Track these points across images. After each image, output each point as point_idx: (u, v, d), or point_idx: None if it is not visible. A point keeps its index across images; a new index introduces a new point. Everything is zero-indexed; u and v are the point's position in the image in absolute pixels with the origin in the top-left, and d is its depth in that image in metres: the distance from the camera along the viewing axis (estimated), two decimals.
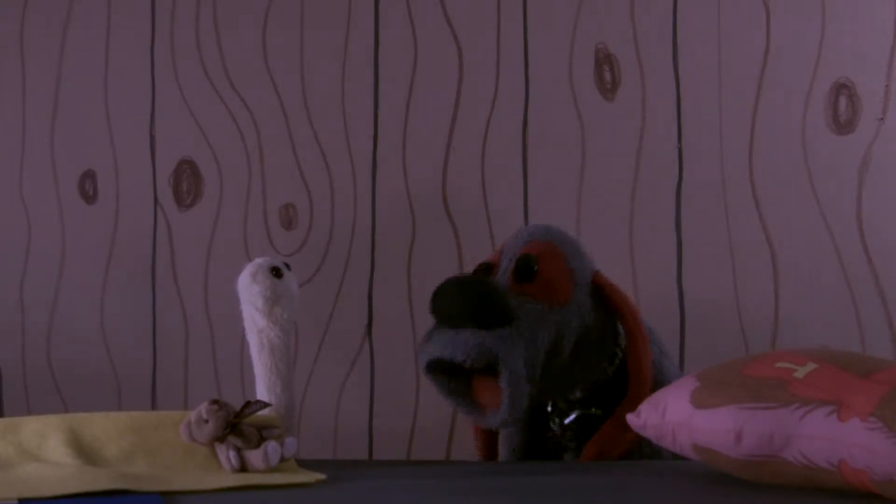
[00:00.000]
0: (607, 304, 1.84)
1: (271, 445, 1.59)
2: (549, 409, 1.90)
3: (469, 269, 2.26)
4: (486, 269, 1.84)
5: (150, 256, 2.34)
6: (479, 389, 1.73)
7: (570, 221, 2.23)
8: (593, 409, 1.86)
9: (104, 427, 1.66)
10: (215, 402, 1.63)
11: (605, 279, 1.86)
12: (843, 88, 2.22)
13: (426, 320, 2.26)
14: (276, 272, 1.79)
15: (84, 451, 1.63)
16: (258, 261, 1.82)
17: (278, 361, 1.81)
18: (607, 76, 2.28)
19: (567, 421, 1.87)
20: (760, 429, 1.42)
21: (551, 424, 1.90)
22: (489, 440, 1.96)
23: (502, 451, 1.98)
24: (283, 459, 1.60)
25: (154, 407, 2.31)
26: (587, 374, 1.83)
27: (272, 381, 1.81)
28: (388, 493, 1.48)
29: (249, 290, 1.79)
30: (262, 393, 1.82)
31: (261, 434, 1.63)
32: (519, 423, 1.90)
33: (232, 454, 1.59)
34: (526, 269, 1.78)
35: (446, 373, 1.74)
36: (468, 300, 1.69)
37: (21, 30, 2.37)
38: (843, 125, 2.22)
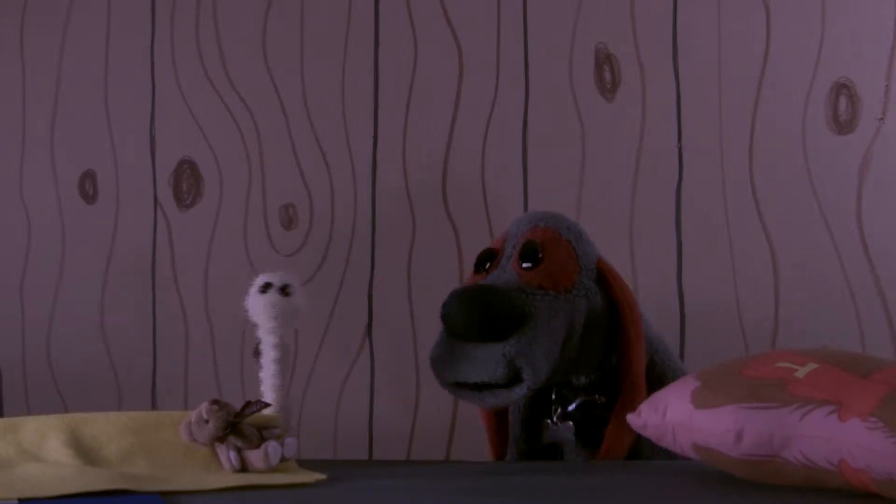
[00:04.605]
0: (608, 291, 1.84)
1: (271, 445, 1.59)
2: (553, 396, 1.90)
3: (470, 269, 2.26)
4: (490, 256, 1.84)
5: (150, 256, 2.34)
6: None
7: None
8: (596, 397, 1.85)
9: (104, 427, 1.66)
10: (215, 402, 1.63)
11: (607, 266, 1.86)
12: (843, 88, 2.22)
13: (426, 320, 2.27)
14: (265, 287, 1.84)
15: (84, 451, 1.62)
16: (264, 276, 1.87)
17: (275, 371, 1.85)
18: (607, 76, 2.28)
19: (570, 408, 1.87)
20: (761, 428, 1.42)
21: (552, 414, 1.89)
22: (501, 433, 1.95)
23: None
24: (283, 459, 1.60)
25: (154, 407, 2.31)
26: (594, 357, 1.83)
27: (266, 386, 1.85)
28: (388, 493, 1.48)
29: (248, 300, 1.86)
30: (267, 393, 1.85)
31: (261, 434, 1.63)
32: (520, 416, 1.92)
33: (232, 454, 1.59)
34: (531, 254, 1.78)
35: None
36: (478, 316, 1.69)
37: (21, 30, 2.37)
38: (843, 125, 2.22)
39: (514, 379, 1.71)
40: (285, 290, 1.85)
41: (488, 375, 1.70)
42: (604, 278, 1.84)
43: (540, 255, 1.78)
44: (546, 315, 1.73)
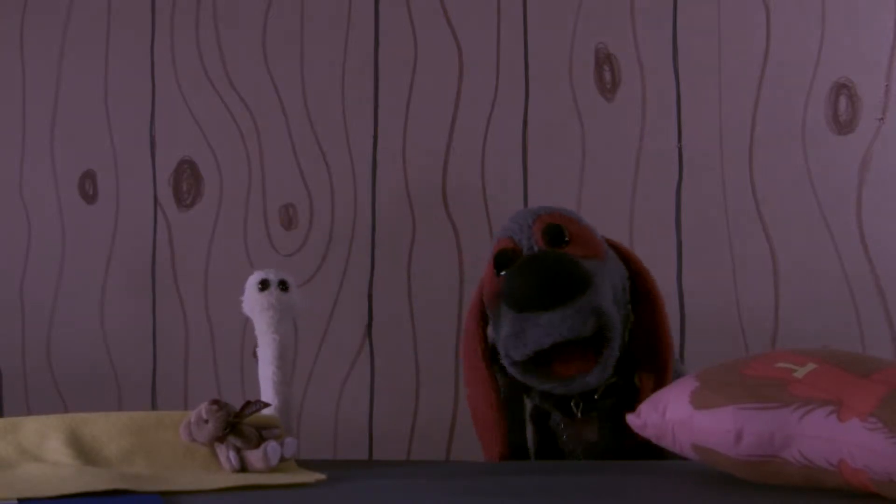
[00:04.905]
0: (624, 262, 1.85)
1: (271, 445, 1.59)
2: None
3: (470, 269, 2.26)
4: (511, 254, 1.80)
5: (150, 256, 2.34)
6: (558, 366, 1.73)
7: None
8: (616, 378, 1.83)
9: (104, 427, 1.66)
10: (215, 402, 1.63)
11: (613, 241, 1.88)
12: (843, 88, 2.22)
13: (426, 320, 2.28)
14: (263, 284, 1.84)
15: (84, 451, 1.62)
16: (259, 272, 1.87)
17: (272, 365, 1.84)
18: (607, 76, 2.28)
19: (597, 396, 1.83)
20: (760, 429, 1.42)
21: (574, 410, 1.86)
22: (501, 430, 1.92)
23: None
24: (282, 459, 1.60)
25: (154, 407, 2.31)
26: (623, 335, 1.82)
27: (265, 386, 1.84)
28: (388, 493, 1.48)
29: (245, 292, 1.86)
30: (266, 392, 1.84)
31: (261, 434, 1.63)
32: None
33: (232, 454, 1.59)
34: (558, 235, 1.76)
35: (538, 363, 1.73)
36: (552, 277, 1.67)
37: (21, 30, 2.37)
38: (843, 125, 2.22)
39: (597, 334, 1.68)
40: (284, 286, 1.85)
41: (577, 331, 1.67)
42: (616, 250, 1.85)
43: (566, 236, 1.77)
44: (600, 277, 1.72)
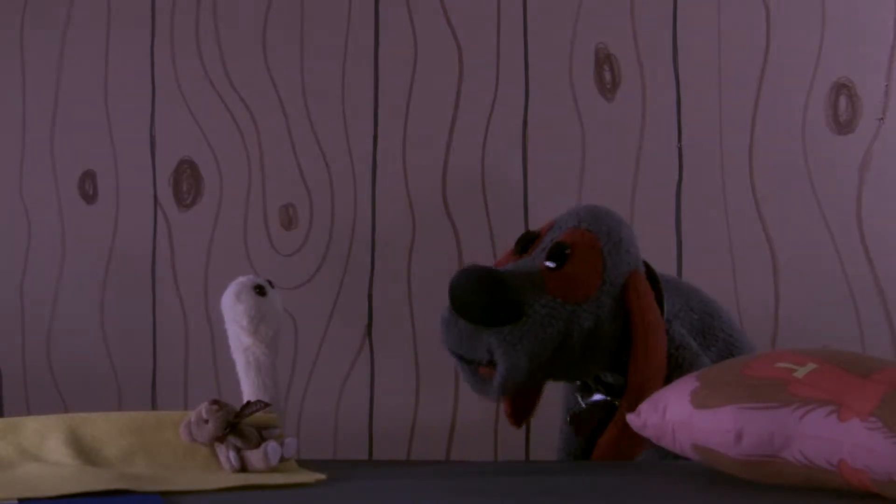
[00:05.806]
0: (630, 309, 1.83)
1: (271, 445, 1.59)
2: (578, 383, 1.91)
3: None
4: (531, 238, 1.85)
5: (150, 256, 2.34)
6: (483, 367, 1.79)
7: None
8: (616, 401, 1.85)
9: (104, 427, 1.66)
10: (215, 402, 1.63)
11: (636, 285, 1.82)
12: (843, 88, 2.22)
13: (426, 320, 2.27)
14: (260, 290, 1.82)
15: (84, 451, 1.63)
16: (241, 279, 1.85)
17: (265, 379, 1.83)
18: (607, 76, 2.28)
19: (590, 401, 1.88)
20: (760, 429, 1.42)
21: (579, 400, 1.92)
22: (519, 409, 1.97)
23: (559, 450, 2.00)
24: (283, 459, 1.60)
25: (154, 407, 2.31)
26: (599, 366, 1.84)
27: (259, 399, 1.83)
28: (388, 493, 1.48)
29: (234, 309, 1.82)
30: None
31: (261, 434, 1.63)
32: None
33: (232, 454, 1.59)
34: (558, 256, 1.79)
35: None
36: (480, 301, 1.72)
37: (21, 30, 2.37)
38: (843, 125, 2.22)
39: (493, 364, 1.75)
40: (271, 285, 1.85)
41: (471, 356, 1.75)
42: (627, 294, 1.82)
43: (565, 260, 1.78)
44: (543, 321, 1.73)
